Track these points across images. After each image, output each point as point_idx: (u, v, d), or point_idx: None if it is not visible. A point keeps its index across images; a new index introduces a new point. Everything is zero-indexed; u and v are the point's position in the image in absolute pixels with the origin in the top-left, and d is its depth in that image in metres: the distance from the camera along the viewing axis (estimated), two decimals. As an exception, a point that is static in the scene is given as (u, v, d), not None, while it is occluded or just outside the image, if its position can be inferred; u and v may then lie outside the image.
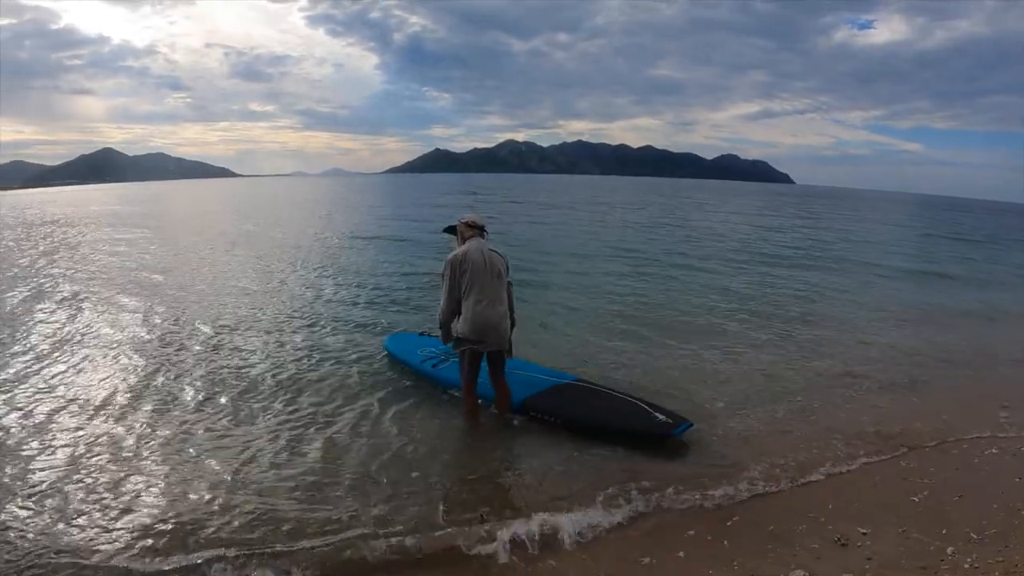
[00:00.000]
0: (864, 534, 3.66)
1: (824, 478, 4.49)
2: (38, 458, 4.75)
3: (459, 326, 5.15)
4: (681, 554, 3.57)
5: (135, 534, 3.76)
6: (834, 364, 7.34)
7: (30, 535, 3.75)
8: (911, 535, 3.65)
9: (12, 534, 3.76)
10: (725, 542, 3.66)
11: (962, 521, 3.79)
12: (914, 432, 5.34)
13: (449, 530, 3.81)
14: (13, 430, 5.26)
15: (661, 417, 5.17)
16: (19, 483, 4.38)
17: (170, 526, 3.81)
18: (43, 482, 4.38)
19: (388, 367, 6.96)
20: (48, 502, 4.12)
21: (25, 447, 4.95)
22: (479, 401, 5.56)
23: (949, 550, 3.47)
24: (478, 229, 5.32)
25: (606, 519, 3.96)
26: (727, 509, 4.06)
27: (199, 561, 3.49)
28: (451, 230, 5.50)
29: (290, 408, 5.78)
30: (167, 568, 3.44)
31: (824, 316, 9.90)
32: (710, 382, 6.59)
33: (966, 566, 3.34)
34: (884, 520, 3.83)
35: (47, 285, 11.91)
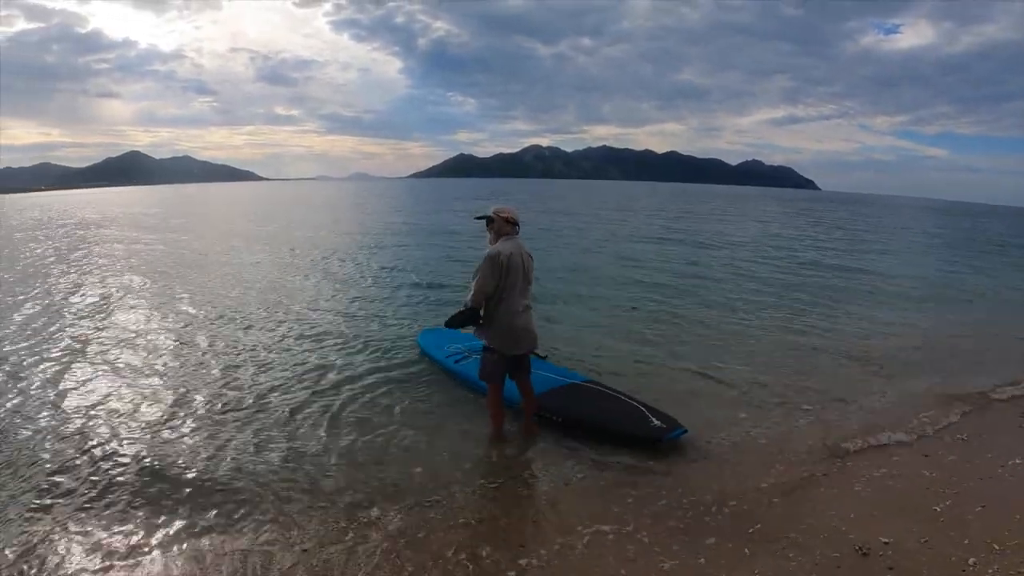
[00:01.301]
0: (886, 543, 3.66)
1: (847, 487, 4.49)
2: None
3: (491, 333, 5.03)
4: (702, 560, 3.59)
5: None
6: (851, 373, 7.37)
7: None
8: (933, 545, 3.65)
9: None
10: (746, 549, 3.68)
11: (984, 532, 3.78)
12: (936, 442, 5.32)
13: (470, 544, 3.84)
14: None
15: (656, 422, 5.29)
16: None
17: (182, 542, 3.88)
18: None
19: (418, 363, 7.20)
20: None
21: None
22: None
23: (971, 560, 3.47)
24: (514, 225, 5.09)
25: (626, 526, 3.99)
26: (748, 516, 4.07)
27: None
28: (488, 220, 5.16)
29: (306, 406, 5.96)
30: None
31: (841, 325, 9.86)
32: (723, 390, 6.64)
33: (988, 577, 3.34)
34: (906, 529, 3.83)
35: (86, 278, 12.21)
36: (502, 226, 5.06)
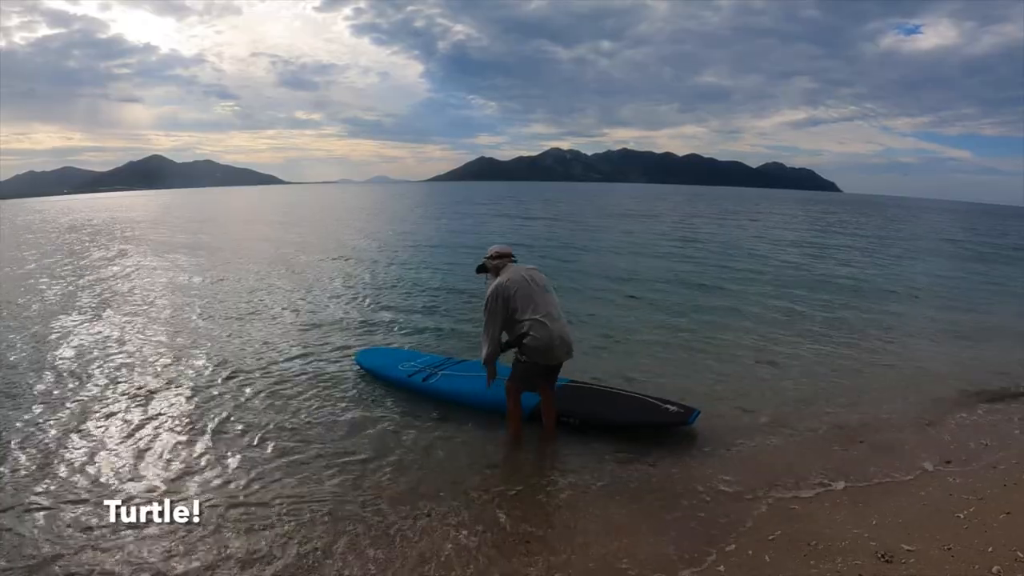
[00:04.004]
0: (909, 551, 3.65)
1: (869, 493, 4.47)
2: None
3: (526, 346, 4.96)
4: (721, 568, 3.59)
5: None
6: (872, 378, 7.30)
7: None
8: (956, 552, 3.63)
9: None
10: (767, 557, 3.67)
11: (1008, 540, 3.75)
12: (959, 448, 5.29)
13: (491, 550, 3.87)
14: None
15: (672, 408, 5.40)
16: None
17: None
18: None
19: (367, 383, 6.88)
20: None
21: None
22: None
23: (995, 568, 3.45)
24: (506, 257, 5.21)
25: (646, 531, 4.00)
26: (769, 523, 4.06)
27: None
28: (482, 269, 5.31)
29: (282, 428, 5.71)
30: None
31: (860, 328, 9.80)
32: (741, 394, 6.62)
33: (1011, 585, 3.31)
34: (929, 536, 3.80)
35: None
36: (494, 264, 5.20)
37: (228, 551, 3.83)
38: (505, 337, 5.09)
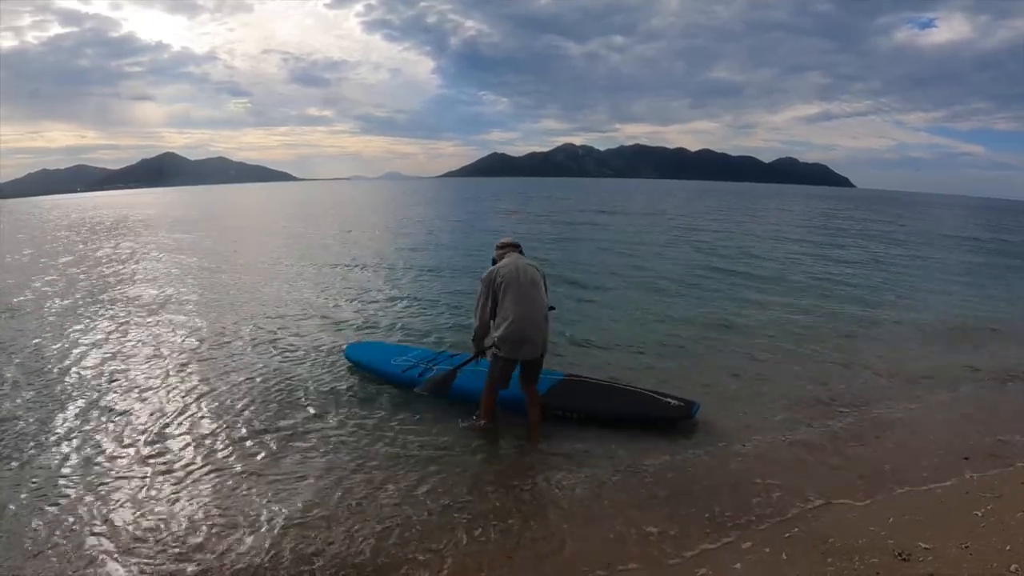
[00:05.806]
0: (926, 549, 3.64)
1: (884, 491, 4.46)
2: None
3: (495, 336, 5.19)
4: (738, 566, 3.60)
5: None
6: (888, 377, 7.25)
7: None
8: (973, 551, 3.62)
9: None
10: (784, 555, 3.67)
11: (1026, 538, 3.75)
12: (975, 445, 5.26)
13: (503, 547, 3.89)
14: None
15: (673, 401, 5.49)
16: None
17: None
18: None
19: (360, 378, 6.87)
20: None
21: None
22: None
23: (1012, 567, 3.44)
24: (511, 246, 5.45)
25: (661, 528, 4.01)
26: (785, 520, 4.07)
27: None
28: (495, 262, 5.43)
29: (270, 428, 5.71)
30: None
31: (876, 319, 9.79)
32: (757, 393, 6.61)
33: (1030, 583, 3.30)
34: (946, 535, 3.79)
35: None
36: (499, 254, 5.44)
37: (232, 551, 3.87)
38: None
